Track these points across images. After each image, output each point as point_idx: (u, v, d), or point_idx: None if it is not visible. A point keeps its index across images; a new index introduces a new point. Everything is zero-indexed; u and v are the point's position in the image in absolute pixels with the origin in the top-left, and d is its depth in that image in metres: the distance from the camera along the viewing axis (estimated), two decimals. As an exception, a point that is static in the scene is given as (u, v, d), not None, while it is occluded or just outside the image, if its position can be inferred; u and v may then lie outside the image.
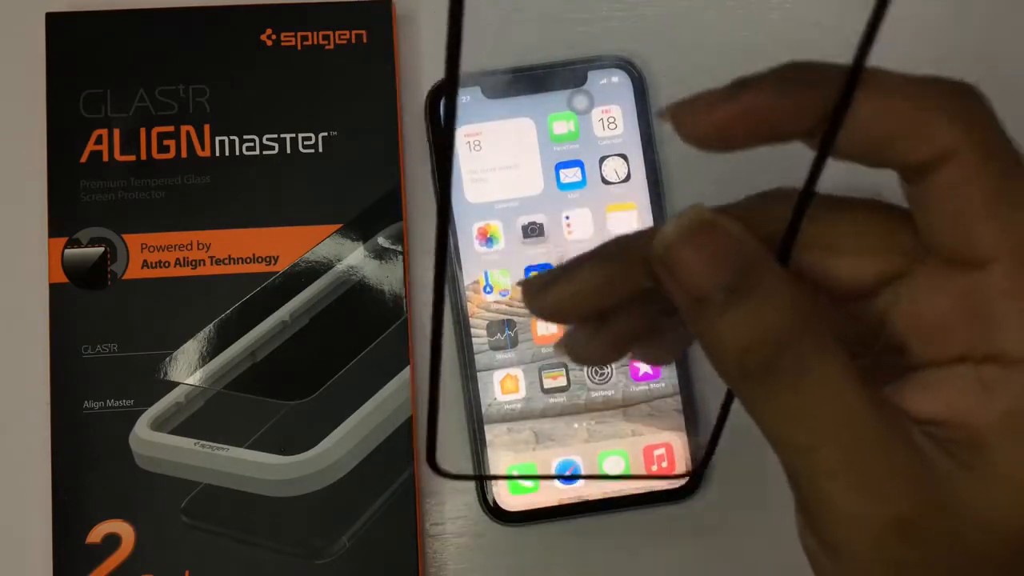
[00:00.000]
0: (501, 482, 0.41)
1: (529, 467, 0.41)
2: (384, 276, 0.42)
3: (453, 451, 0.42)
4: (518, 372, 0.42)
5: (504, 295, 0.42)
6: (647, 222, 0.42)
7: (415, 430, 0.41)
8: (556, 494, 0.41)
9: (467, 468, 0.41)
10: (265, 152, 0.42)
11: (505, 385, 0.42)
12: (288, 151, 0.42)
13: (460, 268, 0.42)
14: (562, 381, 0.42)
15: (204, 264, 0.42)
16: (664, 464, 0.41)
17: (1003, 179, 0.22)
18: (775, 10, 0.45)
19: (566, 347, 0.27)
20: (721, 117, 0.22)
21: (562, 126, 0.43)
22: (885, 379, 0.24)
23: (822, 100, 0.21)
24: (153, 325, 0.41)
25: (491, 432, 0.41)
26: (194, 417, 0.41)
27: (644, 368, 0.42)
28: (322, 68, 0.43)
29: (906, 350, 0.24)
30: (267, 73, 0.43)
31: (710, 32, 0.45)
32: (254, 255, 0.42)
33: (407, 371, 0.41)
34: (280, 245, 0.42)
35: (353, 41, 0.43)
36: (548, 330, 0.42)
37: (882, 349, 0.24)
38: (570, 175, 0.43)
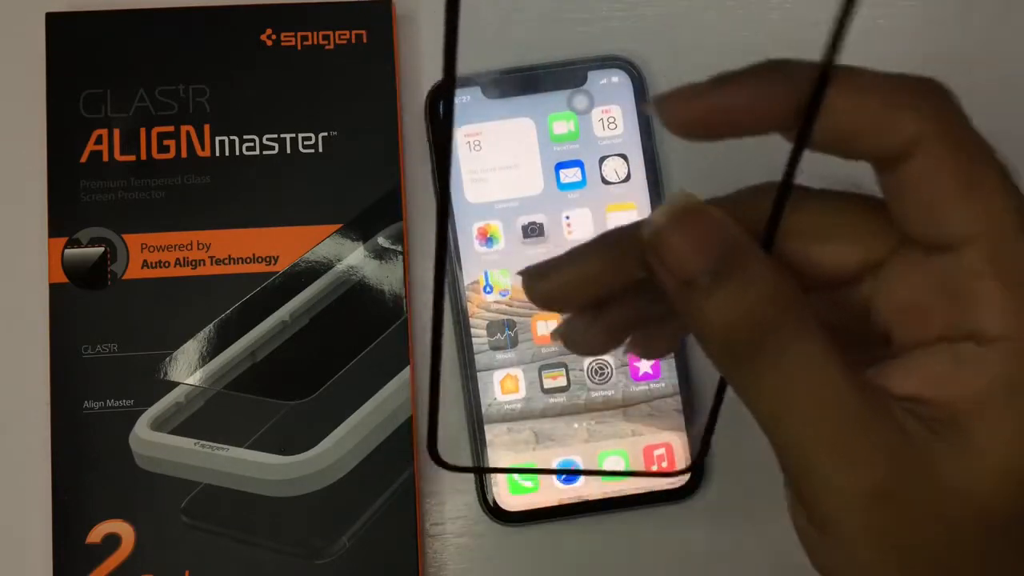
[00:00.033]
0: (501, 482, 0.41)
1: (529, 467, 0.41)
2: (384, 276, 0.42)
3: (453, 451, 0.42)
4: (518, 372, 0.42)
5: (504, 295, 0.42)
6: (647, 222, 0.42)
7: (415, 430, 0.41)
8: (556, 494, 0.41)
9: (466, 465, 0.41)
10: (265, 152, 0.42)
11: (505, 385, 0.42)
12: (288, 151, 0.42)
13: (460, 268, 0.42)
14: (562, 381, 0.42)
15: (204, 264, 0.42)
16: (664, 464, 0.41)
17: (970, 166, 0.23)
18: (775, 10, 0.45)
19: (563, 336, 0.27)
20: (704, 108, 0.23)
21: (562, 126, 0.43)
22: (871, 364, 0.25)
23: (798, 94, 0.22)
24: (153, 325, 0.41)
25: (491, 432, 0.41)
26: (194, 417, 0.41)
27: (644, 368, 0.42)
28: (322, 68, 0.43)
29: (890, 336, 0.25)
30: (267, 73, 0.43)
31: (710, 32, 0.45)
32: (254, 255, 0.42)
33: (407, 371, 0.41)
34: (280, 245, 0.42)
35: (353, 41, 0.43)
36: (548, 330, 0.42)
37: (868, 336, 0.25)
38: (570, 175, 0.43)
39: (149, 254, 0.42)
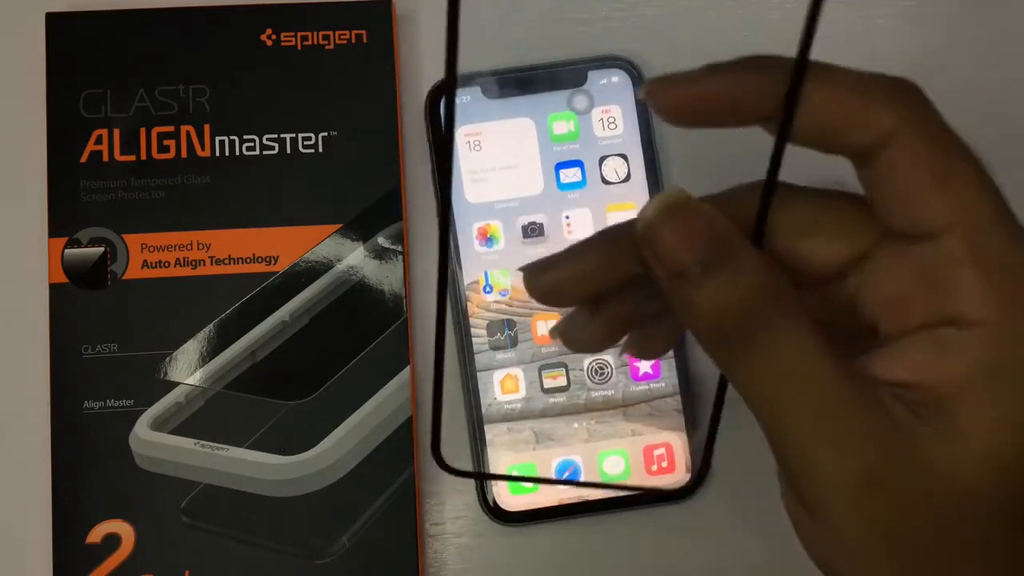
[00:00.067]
0: (501, 482, 0.41)
1: (529, 467, 0.41)
2: (384, 276, 0.42)
3: (453, 451, 0.42)
4: (518, 372, 0.42)
5: (504, 295, 0.42)
6: (647, 222, 0.42)
7: (415, 430, 0.41)
8: (556, 494, 0.41)
9: (467, 468, 0.41)
10: (265, 152, 0.42)
11: (505, 385, 0.42)
12: (288, 151, 0.42)
13: (460, 268, 0.42)
14: (562, 381, 0.42)
15: (204, 264, 0.42)
16: (664, 464, 0.41)
17: (945, 158, 0.24)
18: (775, 10, 0.45)
19: (561, 332, 0.28)
20: (693, 94, 0.25)
21: (562, 126, 0.43)
22: (859, 354, 0.25)
23: (780, 85, 0.23)
24: (153, 325, 0.41)
25: (491, 432, 0.41)
26: (194, 417, 0.41)
27: (644, 368, 0.42)
28: (322, 68, 0.43)
29: (877, 328, 0.26)
30: (267, 73, 0.43)
31: (710, 32, 0.45)
32: (254, 255, 0.42)
33: (407, 371, 0.41)
34: (280, 245, 0.42)
35: (353, 41, 0.43)
36: (548, 329, 0.42)
37: (856, 330, 0.26)
38: (570, 175, 0.43)
39: (149, 254, 0.42)
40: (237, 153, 0.42)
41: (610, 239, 0.26)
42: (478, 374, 0.42)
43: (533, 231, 0.42)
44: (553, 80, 0.43)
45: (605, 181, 0.43)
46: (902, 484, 0.23)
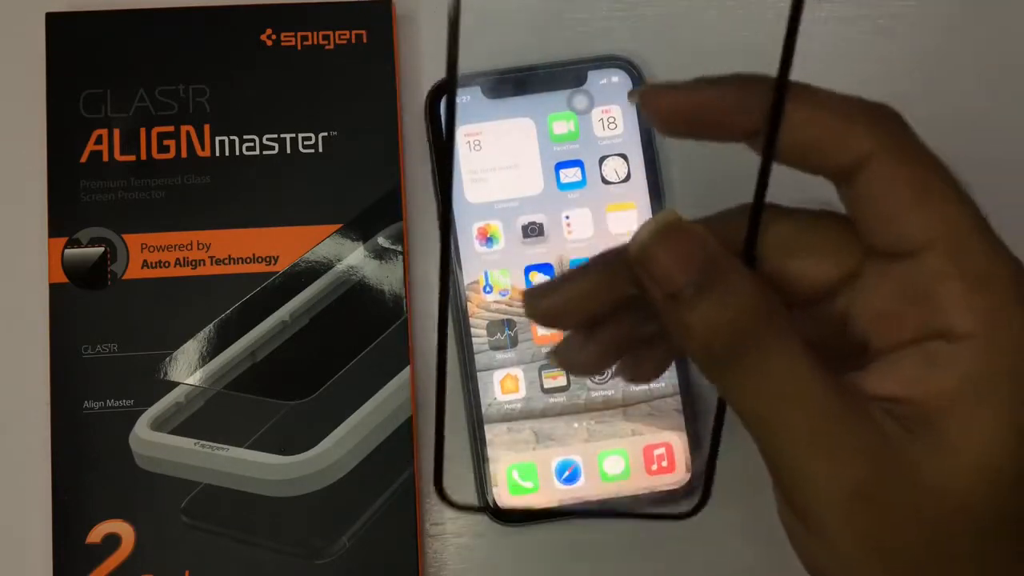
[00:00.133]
0: (501, 482, 0.41)
1: (529, 467, 0.41)
2: (384, 276, 0.42)
3: (453, 451, 0.42)
4: (518, 372, 0.42)
5: (504, 295, 0.42)
6: (647, 222, 0.42)
7: (415, 430, 0.41)
8: (556, 495, 0.41)
9: (467, 469, 0.41)
10: (265, 152, 0.42)
11: (505, 385, 0.42)
12: (288, 151, 0.42)
13: (460, 268, 0.42)
14: (562, 381, 0.42)
15: (204, 264, 0.42)
16: (664, 464, 0.41)
17: (924, 175, 0.24)
18: (775, 10, 0.45)
19: (558, 355, 0.29)
20: (683, 103, 0.25)
21: (562, 126, 0.43)
22: (851, 370, 0.26)
23: (765, 102, 0.24)
24: (153, 325, 0.41)
25: (491, 432, 0.41)
26: (194, 417, 0.41)
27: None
28: (322, 68, 0.43)
29: (868, 345, 0.26)
30: (267, 73, 0.43)
31: (710, 32, 0.45)
32: (254, 255, 0.42)
33: (407, 371, 0.41)
34: (280, 245, 0.42)
35: (353, 41, 0.43)
36: (548, 330, 0.42)
37: (847, 348, 0.26)
38: (570, 175, 0.43)
39: (149, 254, 0.42)
40: (237, 153, 0.42)
41: (606, 262, 0.27)
42: (478, 374, 0.42)
43: (533, 231, 0.42)
44: (553, 80, 0.43)
45: (605, 181, 0.43)
46: (893, 498, 0.24)
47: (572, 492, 0.41)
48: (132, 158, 0.42)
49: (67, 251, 0.41)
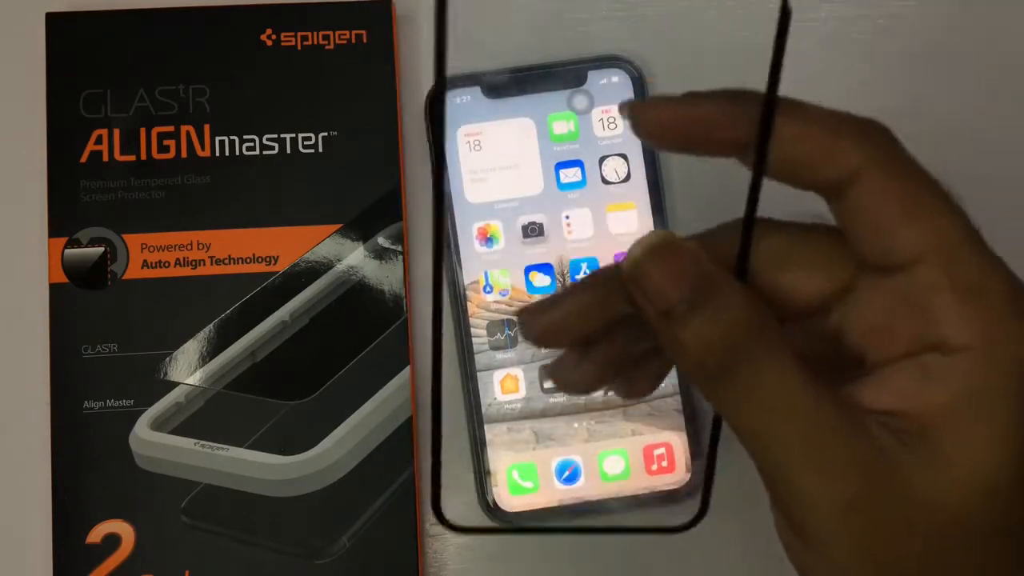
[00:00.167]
0: (501, 483, 0.41)
1: (529, 467, 0.41)
2: (384, 276, 0.42)
3: (453, 451, 0.42)
4: (518, 372, 0.42)
5: (504, 295, 0.42)
6: (647, 222, 0.42)
7: (415, 430, 0.41)
8: (556, 495, 0.41)
9: (467, 469, 0.41)
10: (265, 152, 0.42)
11: (505, 385, 0.42)
12: (288, 151, 0.42)
13: (460, 268, 0.42)
14: (562, 381, 0.42)
15: (204, 264, 0.42)
16: (664, 464, 0.41)
17: (914, 189, 0.25)
18: (775, 10, 0.45)
19: (552, 374, 0.29)
20: (673, 118, 0.26)
21: (562, 126, 0.43)
22: (847, 383, 0.26)
23: (755, 117, 0.24)
24: (153, 325, 0.41)
25: (491, 432, 0.41)
26: (194, 417, 0.41)
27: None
28: (322, 68, 0.43)
29: (863, 358, 0.26)
30: (267, 73, 0.43)
31: (710, 32, 0.45)
32: (254, 255, 0.42)
33: (407, 371, 0.41)
34: (280, 245, 0.42)
35: (353, 41, 0.43)
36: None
37: (843, 361, 0.27)
38: (570, 175, 0.43)
39: (149, 254, 0.42)
40: (237, 153, 0.42)
41: (600, 281, 0.27)
42: (478, 374, 0.42)
43: (533, 231, 0.42)
44: (553, 80, 0.43)
45: (605, 181, 0.43)
46: (888, 512, 0.24)
47: (572, 492, 0.41)
48: (132, 158, 0.42)
49: (67, 251, 0.41)
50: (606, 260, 0.42)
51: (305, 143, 0.43)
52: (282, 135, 0.43)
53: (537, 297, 0.41)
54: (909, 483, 0.24)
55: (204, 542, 0.40)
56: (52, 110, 0.42)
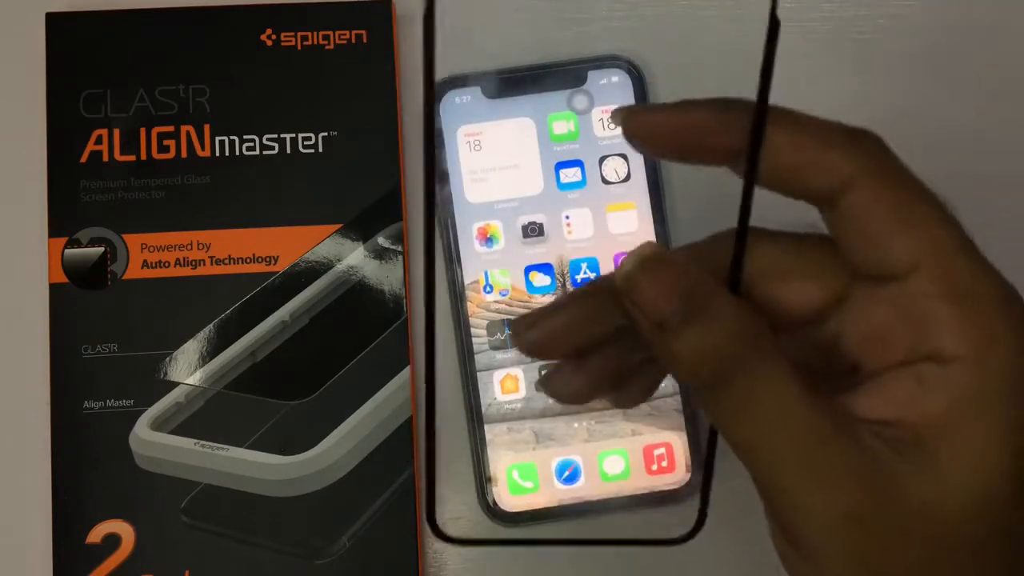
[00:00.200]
0: (501, 483, 0.41)
1: (529, 467, 0.41)
2: (384, 276, 0.42)
3: (453, 451, 0.42)
4: (518, 372, 0.42)
5: (504, 295, 0.42)
6: (647, 222, 0.42)
7: (415, 430, 0.41)
8: (556, 495, 0.41)
9: (467, 469, 0.41)
10: (265, 152, 0.42)
11: (505, 385, 0.42)
12: (288, 151, 0.42)
13: (460, 268, 0.42)
14: (562, 381, 0.42)
15: (204, 264, 0.42)
16: (664, 464, 0.41)
17: (907, 198, 0.25)
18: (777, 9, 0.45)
19: (546, 385, 0.29)
20: (664, 125, 0.26)
21: (562, 126, 0.43)
22: (843, 392, 0.26)
23: (746, 125, 0.24)
24: (153, 325, 0.41)
25: (491, 432, 0.41)
26: (194, 417, 0.41)
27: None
28: (322, 68, 0.43)
29: (858, 366, 0.26)
30: (267, 73, 0.43)
31: (710, 32, 0.45)
32: (254, 255, 0.42)
33: (407, 371, 0.41)
34: (280, 245, 0.42)
35: (353, 41, 0.43)
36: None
37: (838, 370, 0.27)
38: (570, 175, 0.43)
39: (149, 254, 0.42)
40: (237, 153, 0.42)
41: (593, 292, 0.27)
42: (478, 374, 0.42)
43: (533, 231, 0.42)
44: (553, 80, 0.43)
45: (605, 181, 0.43)
46: (884, 521, 0.24)
47: (572, 492, 0.41)
48: (132, 158, 0.42)
49: (67, 251, 0.41)
50: (606, 260, 0.42)
51: (305, 143, 0.43)
52: (282, 135, 0.43)
53: (537, 298, 0.41)
54: (904, 492, 0.24)
55: (204, 542, 0.40)
56: (52, 110, 0.42)
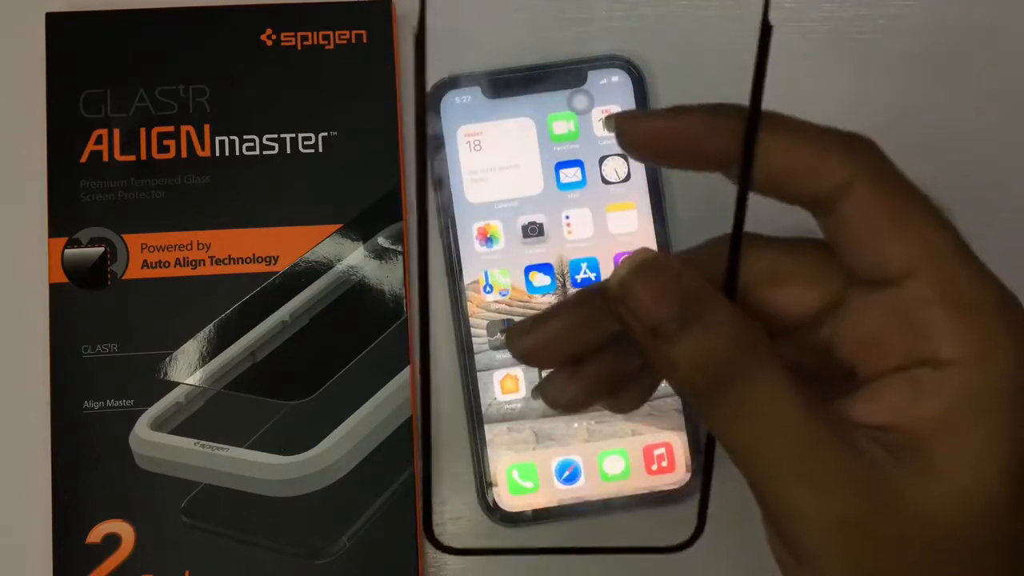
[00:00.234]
0: (501, 483, 0.41)
1: (529, 467, 0.41)
2: (384, 276, 0.42)
3: (453, 451, 0.42)
4: (518, 372, 0.42)
5: (504, 295, 0.42)
6: (647, 222, 0.42)
7: (415, 430, 0.41)
8: (556, 495, 0.41)
9: (467, 469, 0.41)
10: (265, 152, 0.42)
11: (505, 385, 0.42)
12: (288, 151, 0.42)
13: (460, 268, 0.42)
14: (562, 381, 0.42)
15: (204, 264, 0.42)
16: (664, 464, 0.41)
17: (903, 203, 0.25)
18: (775, 10, 0.45)
19: (543, 392, 0.29)
20: (657, 131, 0.25)
21: (562, 126, 0.43)
22: (839, 396, 0.26)
23: (740, 131, 0.24)
24: (153, 325, 0.41)
25: (491, 432, 0.41)
26: (194, 417, 0.41)
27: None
28: (322, 68, 0.43)
29: (855, 371, 0.26)
30: (267, 73, 0.43)
31: (710, 32, 0.45)
32: (254, 255, 0.42)
33: (407, 371, 0.41)
34: (280, 245, 0.42)
35: (353, 41, 0.43)
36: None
37: (835, 374, 0.27)
38: (570, 175, 0.43)
39: (149, 254, 0.42)
40: (237, 153, 0.42)
41: (587, 299, 0.27)
42: (478, 374, 0.42)
43: (533, 231, 0.42)
44: (553, 80, 0.43)
45: (605, 181, 0.43)
46: (881, 527, 0.24)
47: (572, 492, 0.41)
48: (132, 158, 0.42)
49: (67, 251, 0.41)
50: (606, 260, 0.42)
51: (305, 143, 0.43)
52: (282, 135, 0.43)
53: (537, 297, 0.41)
54: (901, 497, 0.24)
55: (204, 542, 0.40)
56: (52, 110, 0.42)
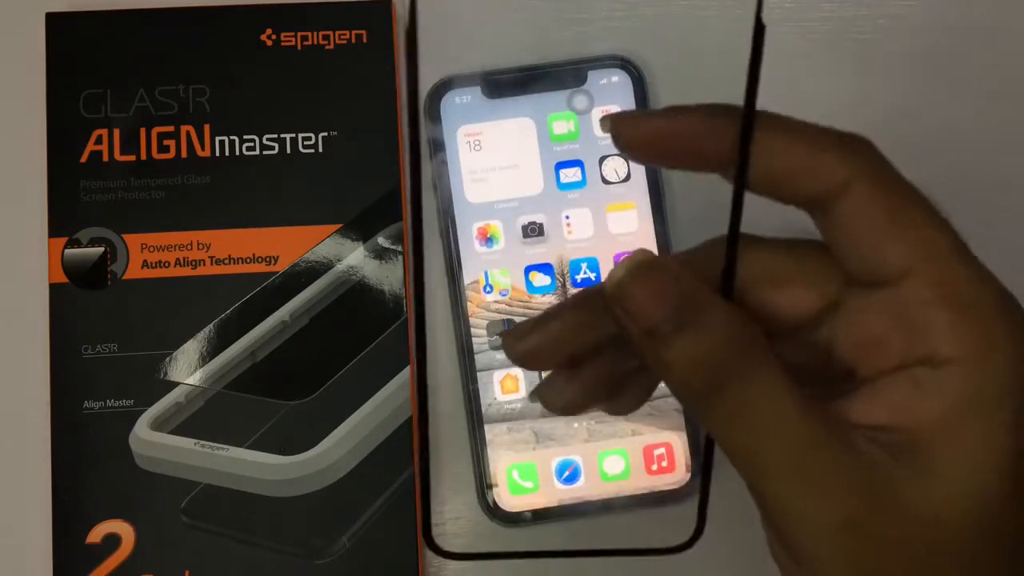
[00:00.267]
0: (501, 483, 0.41)
1: (529, 467, 0.41)
2: (384, 276, 0.42)
3: (453, 452, 0.42)
4: (518, 372, 0.42)
5: (504, 295, 0.42)
6: (647, 222, 0.42)
7: (415, 430, 0.41)
8: (556, 495, 0.41)
9: (467, 469, 0.41)
10: (265, 152, 0.42)
11: (505, 385, 0.42)
12: (288, 151, 0.42)
13: (460, 268, 0.42)
14: (562, 381, 0.42)
15: (204, 264, 0.42)
16: (664, 464, 0.41)
17: (898, 202, 0.25)
18: (775, 10, 0.45)
19: (540, 395, 0.29)
20: (653, 131, 0.25)
21: (562, 126, 0.43)
22: (838, 397, 0.26)
23: (736, 131, 0.24)
24: (153, 325, 0.41)
25: (491, 432, 0.41)
26: (194, 417, 0.41)
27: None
28: (322, 68, 0.43)
29: (854, 371, 0.26)
30: (267, 73, 0.43)
31: (710, 32, 0.45)
32: (254, 255, 0.42)
33: (407, 371, 0.41)
34: (280, 245, 0.42)
35: (353, 41, 0.43)
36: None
37: (834, 374, 0.26)
38: (570, 175, 0.43)
39: (149, 254, 0.42)
40: (237, 153, 0.42)
41: (584, 301, 0.27)
42: (478, 374, 0.42)
43: (533, 231, 0.42)
44: (553, 80, 0.43)
45: (605, 181, 0.43)
46: (881, 528, 0.24)
47: (572, 492, 0.41)
48: (132, 158, 0.42)
49: (67, 251, 0.41)
50: (606, 260, 0.42)
51: (305, 143, 0.43)
52: (282, 135, 0.43)
53: (537, 297, 0.41)
54: (901, 498, 0.24)
55: (204, 542, 0.40)
56: (52, 110, 0.42)
